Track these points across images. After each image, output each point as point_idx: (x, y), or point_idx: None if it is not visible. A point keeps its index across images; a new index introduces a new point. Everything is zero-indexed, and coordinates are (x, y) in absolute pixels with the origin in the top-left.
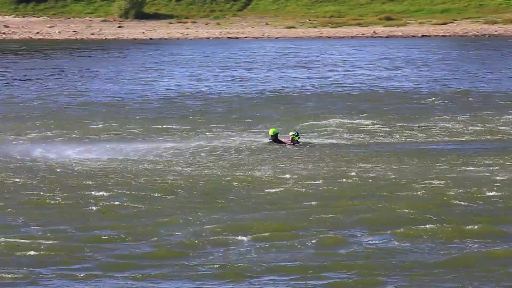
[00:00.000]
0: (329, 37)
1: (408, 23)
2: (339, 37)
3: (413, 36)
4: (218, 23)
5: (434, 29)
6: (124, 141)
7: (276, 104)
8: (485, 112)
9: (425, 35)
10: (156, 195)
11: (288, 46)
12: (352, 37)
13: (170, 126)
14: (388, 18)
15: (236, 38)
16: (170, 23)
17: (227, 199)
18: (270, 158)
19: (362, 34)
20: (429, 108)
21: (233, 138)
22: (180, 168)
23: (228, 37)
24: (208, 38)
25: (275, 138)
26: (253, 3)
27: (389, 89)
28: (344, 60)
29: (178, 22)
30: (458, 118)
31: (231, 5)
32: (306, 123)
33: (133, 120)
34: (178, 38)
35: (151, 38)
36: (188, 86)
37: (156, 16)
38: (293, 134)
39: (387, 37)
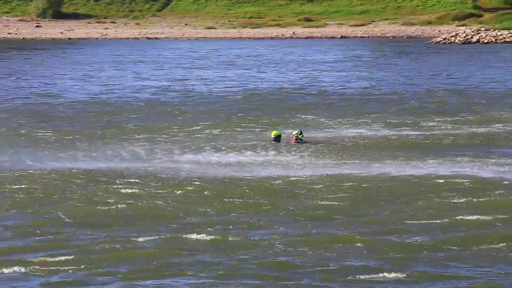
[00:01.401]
0: (248, 38)
1: (327, 24)
2: (259, 38)
3: (332, 37)
4: (138, 23)
5: (353, 30)
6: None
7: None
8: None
9: (344, 36)
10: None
11: (213, 46)
12: (271, 38)
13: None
14: (307, 19)
15: (156, 38)
16: (89, 23)
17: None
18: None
19: (282, 35)
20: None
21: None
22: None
23: (147, 38)
24: (128, 38)
25: (277, 140)
26: (172, 4)
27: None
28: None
29: (97, 22)
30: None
31: (150, 5)
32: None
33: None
34: (97, 38)
35: (69, 38)
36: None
37: (74, 16)
38: (296, 133)
39: (306, 38)
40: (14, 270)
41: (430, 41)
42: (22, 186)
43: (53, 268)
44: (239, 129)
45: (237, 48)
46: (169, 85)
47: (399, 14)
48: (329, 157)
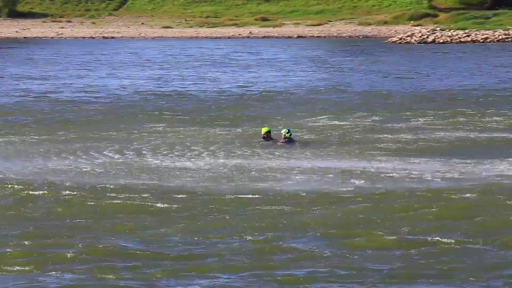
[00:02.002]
0: (205, 37)
1: (284, 23)
2: (216, 38)
3: (289, 36)
4: (94, 23)
5: (310, 30)
6: None
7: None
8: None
9: (301, 36)
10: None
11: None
12: (228, 38)
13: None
14: (264, 19)
15: (112, 37)
16: (44, 22)
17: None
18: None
19: (239, 34)
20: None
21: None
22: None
23: (104, 37)
24: (84, 37)
25: (267, 137)
26: (128, 3)
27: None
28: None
29: (53, 21)
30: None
31: (106, 5)
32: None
33: None
34: (52, 37)
35: (25, 37)
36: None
37: (30, 15)
38: (284, 132)
39: (263, 37)
40: None
41: (386, 41)
42: None
43: None
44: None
45: (195, 47)
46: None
47: (355, 14)
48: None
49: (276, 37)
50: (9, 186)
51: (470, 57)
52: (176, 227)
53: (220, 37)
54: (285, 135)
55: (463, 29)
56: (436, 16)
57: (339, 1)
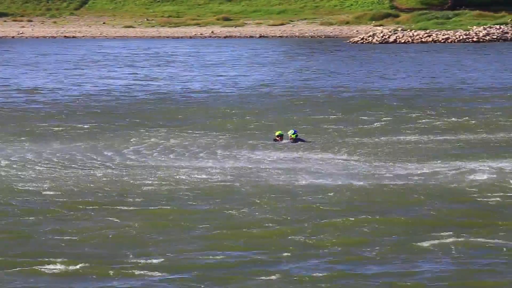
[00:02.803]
0: (167, 37)
1: (246, 23)
2: (178, 37)
3: (251, 36)
4: (55, 22)
5: (272, 29)
6: None
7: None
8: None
9: (263, 36)
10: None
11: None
12: (190, 37)
13: None
14: (226, 19)
15: (73, 37)
16: (5, 21)
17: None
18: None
19: (201, 34)
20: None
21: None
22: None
23: (65, 36)
24: (45, 37)
25: (279, 139)
26: (90, 2)
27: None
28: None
29: (13, 21)
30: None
31: (67, 4)
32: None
33: None
34: (13, 37)
35: None
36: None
37: None
38: (291, 134)
39: (225, 37)
40: None
41: (348, 41)
42: None
43: None
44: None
45: (156, 47)
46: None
47: (317, 14)
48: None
49: (238, 37)
50: None
51: (429, 56)
52: None
53: (182, 37)
54: (291, 136)
55: (424, 29)
56: (397, 16)
57: (301, 1)
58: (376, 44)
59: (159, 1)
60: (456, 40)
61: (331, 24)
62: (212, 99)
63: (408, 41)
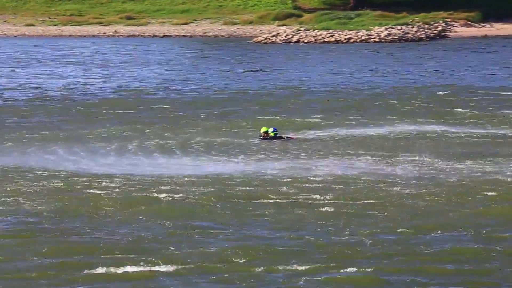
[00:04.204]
0: (70, 36)
1: (149, 22)
2: (80, 36)
3: (154, 35)
4: None
5: (175, 29)
6: None
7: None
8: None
9: (166, 35)
10: None
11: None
12: (93, 36)
13: None
14: (129, 18)
15: None
16: None
17: None
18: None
19: (104, 33)
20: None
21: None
22: None
23: None
24: None
25: (265, 136)
26: None
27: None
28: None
29: None
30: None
31: None
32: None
33: None
34: None
35: None
36: None
37: None
38: (266, 130)
39: (128, 36)
40: None
41: (252, 41)
42: None
43: None
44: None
45: (62, 45)
46: None
47: (221, 14)
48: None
49: (142, 36)
50: None
51: (329, 57)
52: None
53: (84, 36)
54: (270, 133)
55: (327, 29)
56: (300, 16)
57: (205, 1)
58: (280, 43)
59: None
60: (358, 40)
61: (234, 23)
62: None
63: (311, 41)
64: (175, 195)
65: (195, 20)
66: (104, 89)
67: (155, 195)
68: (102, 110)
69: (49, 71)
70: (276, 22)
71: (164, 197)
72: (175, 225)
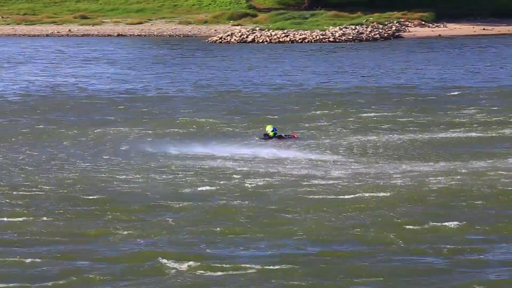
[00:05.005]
0: (23, 35)
1: (104, 22)
2: (34, 35)
3: (108, 35)
4: None
5: (130, 28)
6: None
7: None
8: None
9: (121, 34)
10: None
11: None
12: (47, 35)
13: None
14: (83, 17)
15: None
16: None
17: None
18: None
19: (58, 32)
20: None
21: None
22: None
23: None
24: None
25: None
26: None
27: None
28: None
29: None
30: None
31: None
32: None
33: None
34: None
35: None
36: None
37: None
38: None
39: (82, 35)
40: None
41: (207, 40)
42: None
43: None
44: None
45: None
46: None
47: (176, 13)
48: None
49: (96, 36)
50: None
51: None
52: None
53: (38, 35)
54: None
55: (282, 29)
56: (255, 16)
57: (159, 0)
58: (235, 43)
59: None
60: (313, 40)
61: (189, 23)
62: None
63: (266, 41)
64: None
65: (150, 20)
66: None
67: None
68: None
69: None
70: (231, 21)
71: None
72: None
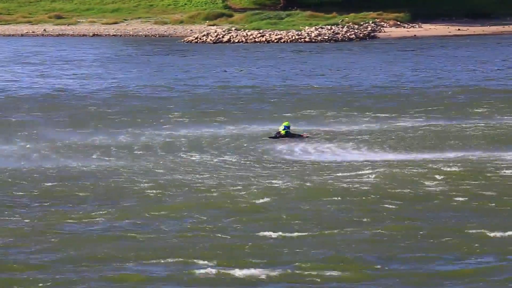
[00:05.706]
0: None
1: (79, 22)
2: (9, 35)
3: (84, 35)
4: None
5: (105, 28)
6: None
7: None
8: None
9: (96, 34)
10: None
11: None
12: (22, 35)
13: None
14: (59, 17)
15: None
16: None
17: None
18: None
19: (33, 32)
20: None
21: None
22: None
23: None
24: None
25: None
26: None
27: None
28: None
29: None
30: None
31: None
32: None
33: None
34: None
35: None
36: None
37: None
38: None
39: (58, 35)
40: None
41: (182, 40)
42: None
43: None
44: None
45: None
46: None
47: (151, 13)
48: None
49: (72, 35)
50: None
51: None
52: None
53: (13, 35)
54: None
55: (258, 29)
56: (231, 16)
57: (135, 0)
58: (211, 43)
59: None
60: (288, 40)
61: (165, 23)
62: None
63: (242, 41)
64: None
65: (125, 20)
66: None
67: None
68: None
69: None
70: (207, 22)
71: None
72: None
